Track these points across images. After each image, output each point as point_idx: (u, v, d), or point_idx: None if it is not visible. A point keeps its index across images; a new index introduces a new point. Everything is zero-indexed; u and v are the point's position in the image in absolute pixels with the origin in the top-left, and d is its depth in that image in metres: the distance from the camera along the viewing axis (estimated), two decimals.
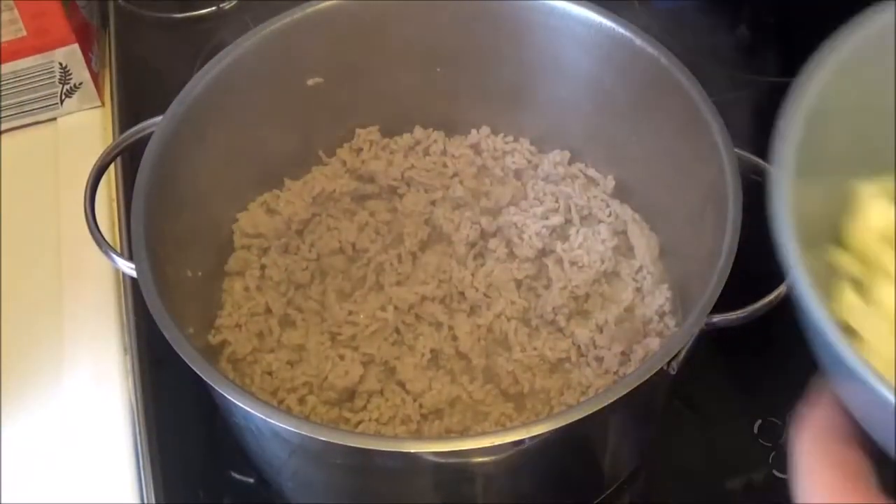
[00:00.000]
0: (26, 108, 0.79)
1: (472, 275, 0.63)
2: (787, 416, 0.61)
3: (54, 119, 0.80)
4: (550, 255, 0.64)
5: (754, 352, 0.63)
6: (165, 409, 0.61)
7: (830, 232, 0.33)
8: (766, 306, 0.50)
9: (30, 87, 0.78)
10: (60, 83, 0.79)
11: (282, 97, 0.66)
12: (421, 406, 0.58)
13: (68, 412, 0.62)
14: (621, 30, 0.61)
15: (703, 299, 0.49)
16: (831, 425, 0.32)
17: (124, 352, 0.65)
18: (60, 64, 0.78)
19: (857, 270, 0.32)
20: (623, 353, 0.59)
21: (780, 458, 0.60)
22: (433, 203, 0.67)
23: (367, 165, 0.69)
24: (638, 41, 0.60)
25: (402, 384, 0.59)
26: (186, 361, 0.49)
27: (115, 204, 0.72)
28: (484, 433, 0.55)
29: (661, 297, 0.61)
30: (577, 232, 0.65)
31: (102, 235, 0.58)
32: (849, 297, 0.32)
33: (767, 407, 0.61)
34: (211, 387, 0.49)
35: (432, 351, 0.60)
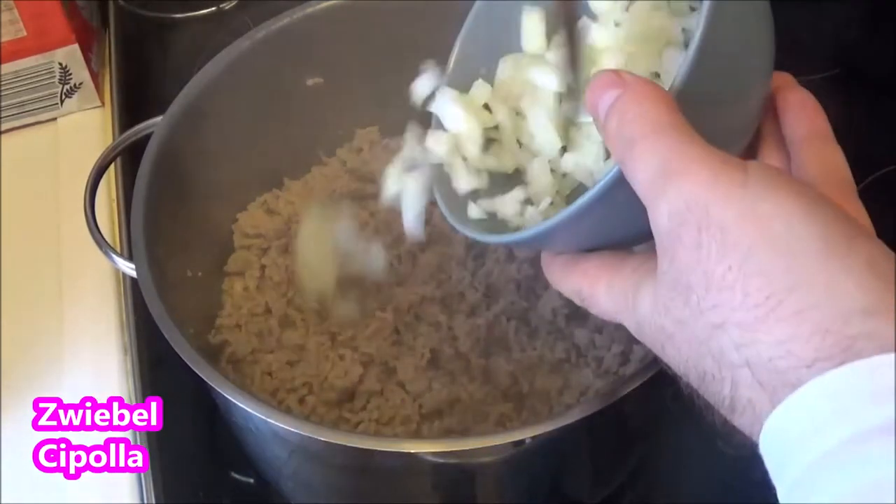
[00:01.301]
0: (26, 108, 0.79)
1: (472, 275, 0.63)
2: None
3: (54, 119, 0.80)
4: None
5: None
6: (165, 409, 0.61)
7: None
8: None
9: (30, 87, 0.78)
10: (60, 83, 0.79)
11: (282, 97, 0.66)
12: (421, 406, 0.58)
13: None
14: None
15: None
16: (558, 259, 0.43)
17: (124, 352, 0.65)
18: (60, 64, 0.78)
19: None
20: (623, 354, 0.59)
21: None
22: (433, 203, 0.67)
23: (367, 165, 0.69)
24: None
25: (401, 384, 0.59)
26: (186, 361, 0.49)
27: (115, 204, 0.72)
28: (484, 433, 0.55)
29: None
30: None
31: (102, 235, 0.58)
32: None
33: None
34: (211, 387, 0.49)
35: (432, 351, 0.60)
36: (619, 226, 0.39)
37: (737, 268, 0.31)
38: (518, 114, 0.48)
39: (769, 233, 0.31)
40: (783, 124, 0.41)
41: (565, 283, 0.42)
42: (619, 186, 0.35)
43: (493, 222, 0.47)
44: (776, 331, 0.30)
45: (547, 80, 0.46)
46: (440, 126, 0.49)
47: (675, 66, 0.41)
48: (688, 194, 0.32)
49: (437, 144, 0.48)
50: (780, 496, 0.30)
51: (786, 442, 0.30)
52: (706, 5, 0.35)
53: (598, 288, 0.40)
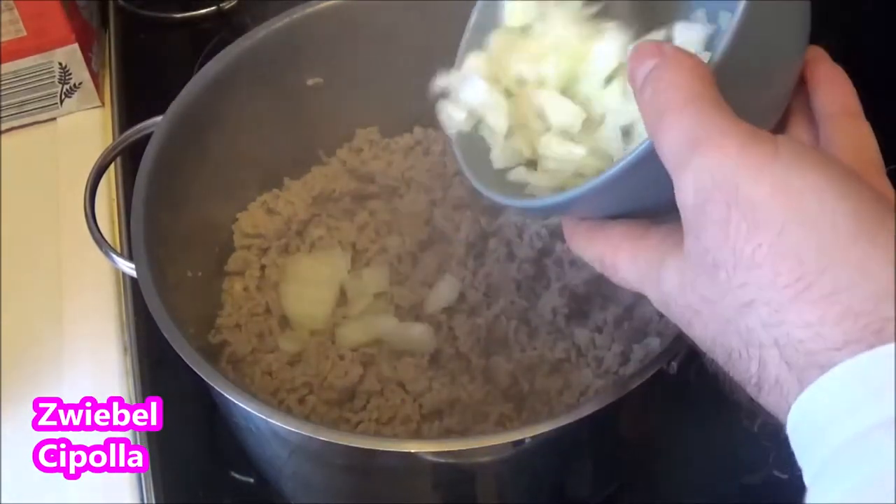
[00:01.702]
0: (26, 108, 0.79)
1: (473, 275, 0.63)
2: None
3: (54, 119, 0.80)
4: (550, 255, 0.64)
5: None
6: (165, 409, 0.61)
7: None
8: None
9: (30, 87, 0.78)
10: (60, 83, 0.79)
11: (282, 97, 0.66)
12: (421, 406, 0.58)
13: None
14: None
15: None
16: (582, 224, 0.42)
17: (124, 352, 0.65)
18: (60, 64, 0.78)
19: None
20: (623, 354, 0.59)
21: (781, 458, 0.60)
22: (433, 203, 0.67)
23: (367, 165, 0.69)
24: None
25: (401, 384, 0.59)
26: (186, 361, 0.49)
27: (115, 204, 0.72)
28: (484, 433, 0.55)
29: None
30: None
31: (102, 235, 0.58)
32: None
33: None
34: (211, 387, 0.49)
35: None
36: (650, 195, 0.38)
37: (767, 245, 0.31)
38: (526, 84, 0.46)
39: (802, 209, 0.31)
40: (813, 99, 0.40)
41: (589, 250, 0.41)
42: (652, 157, 0.35)
43: (515, 187, 0.46)
44: (806, 313, 0.30)
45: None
46: (461, 91, 0.47)
47: (689, 39, 0.41)
48: (715, 168, 0.32)
49: (456, 112, 0.47)
50: (807, 477, 0.30)
51: (815, 423, 0.30)
52: None
53: (620, 256, 0.39)
